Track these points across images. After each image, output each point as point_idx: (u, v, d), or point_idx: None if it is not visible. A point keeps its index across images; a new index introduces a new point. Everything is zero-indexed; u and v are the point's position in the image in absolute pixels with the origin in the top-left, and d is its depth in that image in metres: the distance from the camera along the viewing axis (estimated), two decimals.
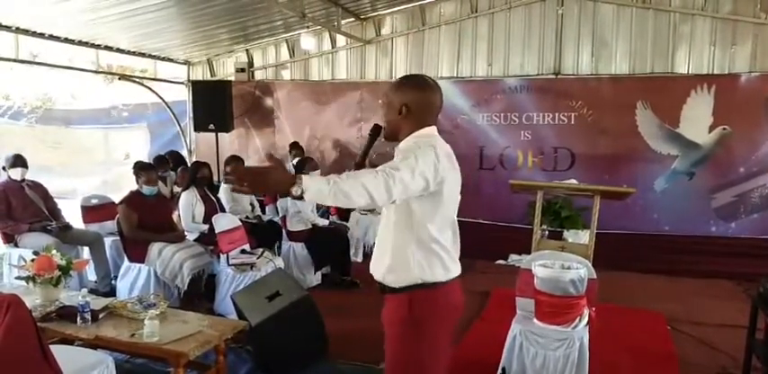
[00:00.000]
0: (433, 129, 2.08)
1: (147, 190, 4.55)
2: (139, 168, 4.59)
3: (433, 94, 2.08)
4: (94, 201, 5.61)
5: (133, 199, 4.47)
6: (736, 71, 5.96)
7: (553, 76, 6.53)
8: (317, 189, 1.71)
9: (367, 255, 6.16)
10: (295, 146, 7.08)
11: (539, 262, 3.06)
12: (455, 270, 2.04)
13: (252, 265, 4.50)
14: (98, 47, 6.68)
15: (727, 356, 3.68)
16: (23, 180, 4.83)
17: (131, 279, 4.46)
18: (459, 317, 2.11)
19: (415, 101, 2.05)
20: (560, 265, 3.01)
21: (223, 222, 4.61)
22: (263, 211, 6.24)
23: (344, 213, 6.33)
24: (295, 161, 6.12)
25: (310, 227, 5.43)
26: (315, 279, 5.29)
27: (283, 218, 5.39)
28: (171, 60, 7.94)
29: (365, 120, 7.27)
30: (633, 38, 6.26)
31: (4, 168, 4.83)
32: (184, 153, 7.90)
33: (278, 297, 3.51)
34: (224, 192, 5.57)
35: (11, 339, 2.11)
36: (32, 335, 2.20)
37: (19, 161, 4.80)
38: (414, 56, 7.10)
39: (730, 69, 5.99)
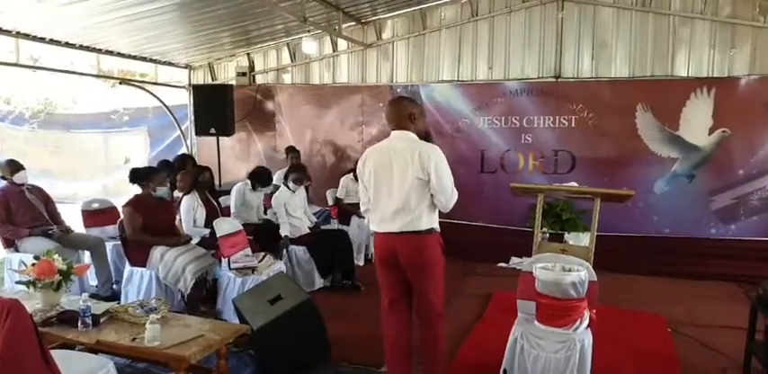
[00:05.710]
0: (391, 134, 3.12)
1: (160, 191, 4.55)
2: (148, 173, 4.57)
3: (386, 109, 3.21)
4: (95, 206, 5.61)
5: (138, 201, 4.46)
6: (735, 74, 5.96)
7: (553, 80, 6.54)
8: None
9: (368, 259, 6.15)
10: (291, 150, 6.98)
11: (540, 264, 3.05)
12: (381, 227, 3.10)
13: (253, 269, 4.50)
14: (99, 51, 6.68)
15: (728, 358, 3.68)
16: (23, 184, 4.83)
17: (136, 283, 4.45)
18: (386, 257, 3.09)
19: None
20: (561, 268, 3.01)
21: (224, 226, 4.59)
22: (265, 213, 6.23)
23: (345, 217, 6.33)
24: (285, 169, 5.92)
25: (308, 231, 5.43)
26: (317, 282, 5.28)
27: None
28: (172, 64, 7.96)
29: (366, 123, 7.29)
30: (633, 41, 6.27)
31: (3, 177, 4.83)
32: None
33: (280, 300, 3.51)
34: (236, 194, 5.58)
35: (12, 344, 2.11)
36: (33, 340, 2.20)
37: (19, 165, 4.81)
38: (414, 59, 7.11)
39: (730, 72, 5.99)
